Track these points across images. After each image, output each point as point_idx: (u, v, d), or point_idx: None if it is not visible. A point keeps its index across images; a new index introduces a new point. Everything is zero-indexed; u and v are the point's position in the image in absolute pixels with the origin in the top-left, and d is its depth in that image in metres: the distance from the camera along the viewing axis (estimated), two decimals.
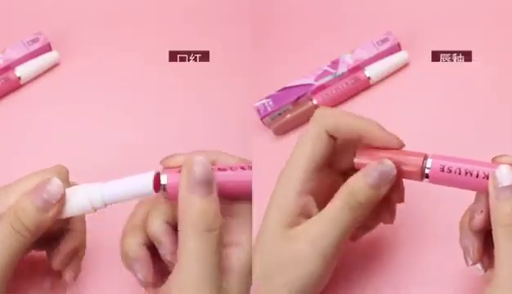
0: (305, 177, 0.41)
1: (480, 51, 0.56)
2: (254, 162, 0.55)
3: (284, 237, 0.41)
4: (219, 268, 0.37)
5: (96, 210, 0.39)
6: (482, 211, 0.40)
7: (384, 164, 0.41)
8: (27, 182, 0.40)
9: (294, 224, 0.41)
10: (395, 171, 0.41)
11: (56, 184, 0.38)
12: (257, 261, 0.41)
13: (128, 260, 0.40)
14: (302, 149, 0.42)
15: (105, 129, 0.57)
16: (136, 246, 0.40)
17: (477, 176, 0.39)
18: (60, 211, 0.39)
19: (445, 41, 0.59)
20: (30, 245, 0.39)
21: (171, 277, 0.38)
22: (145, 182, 0.38)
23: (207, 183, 0.37)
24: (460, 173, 0.40)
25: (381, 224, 0.46)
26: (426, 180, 0.41)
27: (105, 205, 0.39)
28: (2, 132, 0.56)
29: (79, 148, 0.55)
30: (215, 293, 0.37)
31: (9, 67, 0.58)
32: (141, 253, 0.40)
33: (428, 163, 0.40)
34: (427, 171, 0.40)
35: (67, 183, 0.41)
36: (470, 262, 0.41)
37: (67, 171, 0.41)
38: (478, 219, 0.40)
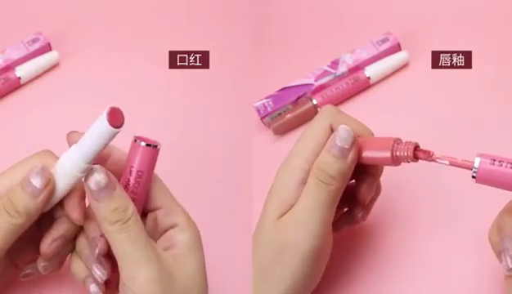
0: (307, 168, 0.42)
1: (480, 51, 0.56)
2: (254, 162, 0.55)
3: (278, 226, 0.42)
4: (154, 247, 0.39)
5: (84, 173, 0.39)
6: None
7: (340, 130, 0.41)
8: (14, 170, 0.41)
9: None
10: (352, 133, 0.41)
11: (42, 171, 0.39)
12: (257, 253, 0.42)
13: (83, 256, 0.41)
14: (306, 140, 0.43)
15: None
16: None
17: None
18: (50, 196, 0.39)
19: (445, 41, 0.59)
20: (21, 231, 0.39)
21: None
22: (101, 121, 0.39)
23: (104, 187, 0.38)
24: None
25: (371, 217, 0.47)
26: (473, 180, 0.38)
27: (90, 163, 0.39)
28: (2, 132, 0.56)
29: None
30: (165, 273, 0.38)
31: (9, 67, 0.58)
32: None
33: (477, 163, 0.38)
34: (474, 170, 0.38)
35: (55, 162, 0.41)
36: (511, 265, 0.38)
37: (52, 155, 0.42)
38: None
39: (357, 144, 0.41)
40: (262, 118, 0.59)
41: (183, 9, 0.65)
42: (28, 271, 0.43)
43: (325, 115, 0.43)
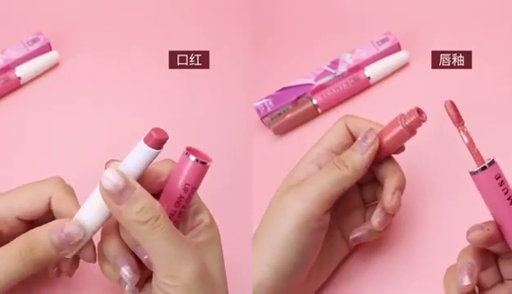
0: (319, 151, 0.46)
1: (480, 51, 0.56)
2: (254, 162, 0.55)
3: (283, 194, 0.44)
4: (186, 240, 0.39)
5: None
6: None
7: (363, 130, 0.45)
8: (21, 194, 0.41)
9: None
10: (374, 135, 0.44)
11: (76, 227, 0.39)
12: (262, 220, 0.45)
13: (110, 259, 0.41)
14: (327, 134, 0.47)
15: (105, 129, 0.57)
16: (117, 244, 0.41)
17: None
18: (73, 252, 0.40)
19: (445, 41, 0.59)
20: (32, 273, 0.39)
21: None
22: (140, 145, 0.39)
23: (124, 189, 0.37)
24: (506, 193, 0.40)
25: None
26: (473, 175, 0.40)
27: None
28: (2, 132, 0.56)
29: (79, 148, 0.55)
30: (202, 265, 0.39)
31: (9, 67, 0.58)
32: (124, 250, 0.41)
33: (488, 163, 0.40)
34: (480, 168, 0.40)
35: (66, 193, 0.41)
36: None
37: (63, 183, 0.42)
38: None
39: (376, 144, 0.44)
40: (262, 118, 0.59)
41: (183, 9, 0.65)
42: None
43: (343, 118, 0.47)
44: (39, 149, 0.55)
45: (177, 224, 0.40)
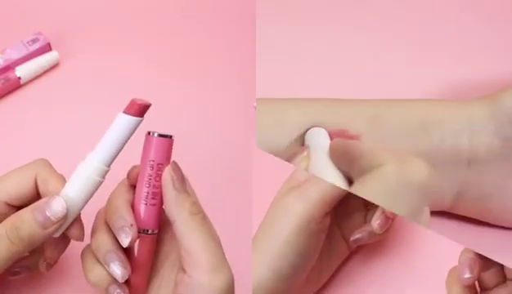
0: None
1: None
2: (254, 162, 0.55)
3: (284, 195, 0.44)
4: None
5: (103, 177, 0.40)
6: None
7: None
8: (7, 179, 0.41)
9: None
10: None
11: (60, 204, 0.39)
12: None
13: (100, 255, 0.40)
14: None
15: (105, 129, 0.57)
16: (106, 240, 0.40)
17: None
18: (60, 227, 0.39)
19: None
20: (20, 257, 0.39)
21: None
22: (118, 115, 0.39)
23: (184, 181, 0.40)
24: None
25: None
26: None
27: (109, 166, 0.40)
28: (2, 132, 0.56)
29: (79, 148, 0.55)
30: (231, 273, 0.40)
31: (9, 67, 0.58)
32: (114, 246, 0.40)
33: None
34: None
35: (53, 174, 0.41)
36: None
37: (48, 164, 0.42)
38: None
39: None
40: None
41: (183, 9, 0.65)
42: (16, 269, 0.43)
43: None
44: (39, 149, 0.55)
45: (156, 208, 0.40)
